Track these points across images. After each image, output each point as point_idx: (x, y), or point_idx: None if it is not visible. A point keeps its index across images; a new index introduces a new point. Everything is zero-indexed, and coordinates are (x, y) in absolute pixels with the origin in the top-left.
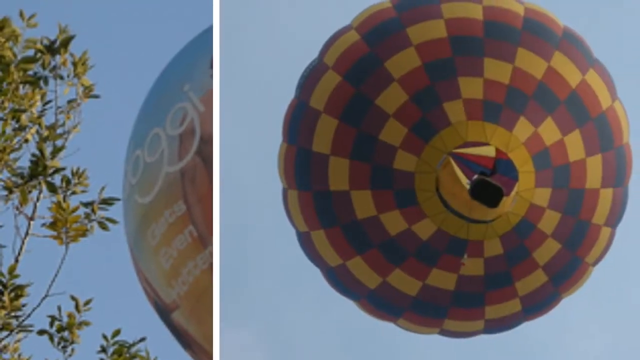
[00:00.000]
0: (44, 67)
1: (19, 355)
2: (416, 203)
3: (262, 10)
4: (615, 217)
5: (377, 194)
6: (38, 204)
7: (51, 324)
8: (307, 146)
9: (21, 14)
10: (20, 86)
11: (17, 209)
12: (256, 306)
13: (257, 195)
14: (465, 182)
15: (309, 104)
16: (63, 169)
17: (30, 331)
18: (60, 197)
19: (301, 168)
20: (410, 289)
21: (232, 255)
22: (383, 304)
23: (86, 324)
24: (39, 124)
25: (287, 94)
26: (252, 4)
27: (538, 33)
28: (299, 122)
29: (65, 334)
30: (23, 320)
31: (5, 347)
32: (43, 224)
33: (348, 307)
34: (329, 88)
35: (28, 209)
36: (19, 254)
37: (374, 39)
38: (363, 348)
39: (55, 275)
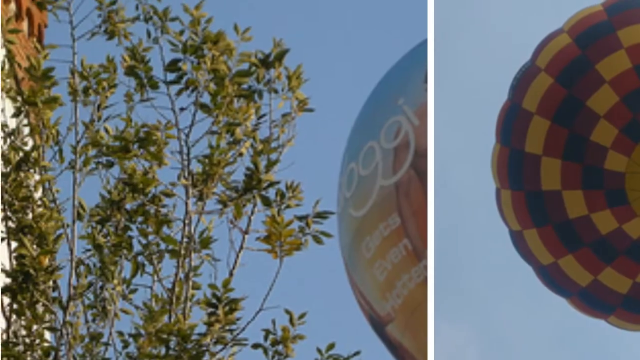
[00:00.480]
0: (258, 81)
1: None
2: (627, 203)
3: (475, 17)
4: None
5: (588, 194)
6: (252, 218)
7: (265, 338)
8: (519, 147)
9: (235, 28)
10: (235, 100)
11: (232, 222)
12: (470, 304)
13: (470, 202)
14: None
15: (522, 105)
16: (277, 182)
17: (245, 345)
18: (275, 210)
19: (514, 168)
20: (621, 287)
21: (446, 263)
22: (594, 301)
23: (300, 337)
24: (254, 138)
25: (500, 96)
26: (465, 12)
27: None
28: (511, 123)
29: (280, 347)
30: (237, 334)
31: None
32: (257, 238)
33: (559, 305)
34: (541, 90)
35: (242, 223)
36: (233, 267)
37: (585, 42)
38: (574, 344)
39: (270, 288)
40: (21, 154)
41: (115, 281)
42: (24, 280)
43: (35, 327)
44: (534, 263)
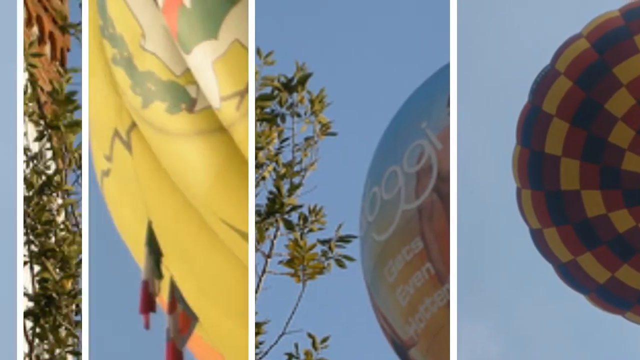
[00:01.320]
0: (281, 105)
1: None
2: None
3: (498, 33)
4: None
5: (606, 194)
6: (275, 242)
7: None
8: (539, 148)
9: (258, 52)
10: (258, 123)
11: (255, 246)
12: (491, 302)
13: (491, 202)
14: None
15: (542, 108)
16: (300, 206)
17: None
18: (297, 234)
19: (534, 169)
20: (638, 284)
21: (467, 262)
22: (612, 298)
23: None
24: (276, 162)
25: (519, 101)
26: (486, 32)
27: None
28: (531, 125)
29: None
30: (260, 358)
31: None
32: (280, 262)
33: (578, 301)
34: (560, 93)
35: (265, 247)
36: (256, 291)
37: (603, 47)
38: (593, 340)
39: (293, 312)
40: (44, 177)
41: None
42: (46, 304)
43: (58, 350)
44: (553, 261)
